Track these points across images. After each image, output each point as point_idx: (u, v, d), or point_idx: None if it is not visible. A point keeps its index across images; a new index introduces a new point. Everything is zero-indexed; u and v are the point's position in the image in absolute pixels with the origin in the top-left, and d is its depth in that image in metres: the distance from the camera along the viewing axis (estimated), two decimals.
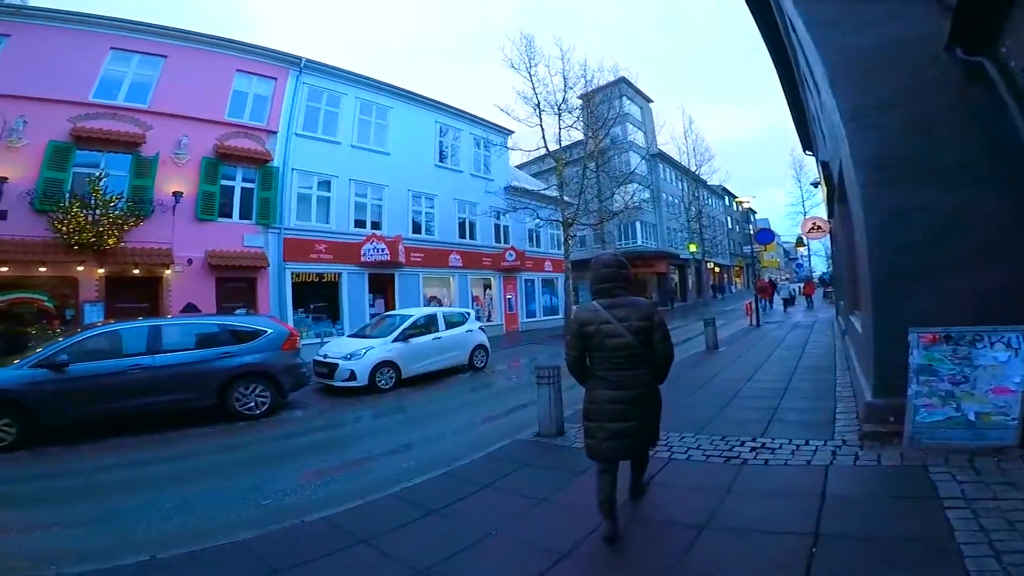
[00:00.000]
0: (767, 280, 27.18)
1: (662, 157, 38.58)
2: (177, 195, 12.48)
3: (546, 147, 20.10)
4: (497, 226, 21.82)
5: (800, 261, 62.62)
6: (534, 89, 19.83)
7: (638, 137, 37.56)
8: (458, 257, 19.50)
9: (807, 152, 16.86)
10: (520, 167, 30.97)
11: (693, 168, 36.29)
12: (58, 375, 6.41)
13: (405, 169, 17.93)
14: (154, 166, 12.32)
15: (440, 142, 20.16)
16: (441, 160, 20.06)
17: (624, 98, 37.16)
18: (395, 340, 10.10)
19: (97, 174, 11.06)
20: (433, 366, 10.70)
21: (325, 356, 10.01)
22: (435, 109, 20.07)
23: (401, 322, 10.64)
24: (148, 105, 12.57)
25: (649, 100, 40.85)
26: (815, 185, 17.68)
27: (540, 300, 23.91)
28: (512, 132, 23.02)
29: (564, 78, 20.21)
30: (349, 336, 11.11)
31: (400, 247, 16.51)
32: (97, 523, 4.07)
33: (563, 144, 20.66)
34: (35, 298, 11.08)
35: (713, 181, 38.93)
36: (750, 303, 17.52)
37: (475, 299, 20.53)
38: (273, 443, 6.57)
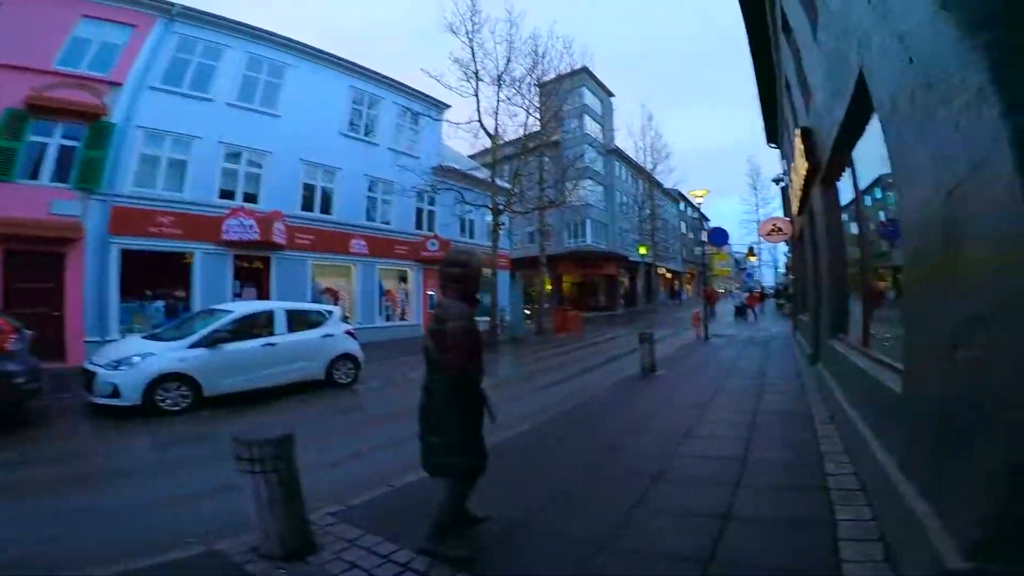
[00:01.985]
0: (712, 288, 26.16)
1: (618, 154, 36.50)
2: None
3: (480, 121, 17.11)
4: (420, 211, 18.77)
5: (750, 271, 62.64)
6: (473, 55, 16.90)
7: (595, 131, 35.41)
8: (363, 243, 16.32)
9: (771, 144, 14.74)
10: (474, 157, 27.95)
11: (649, 166, 33.99)
12: None
13: (300, 135, 14.74)
14: None
15: (354, 110, 17.11)
16: (352, 130, 16.89)
17: (585, 89, 34.98)
18: (194, 345, 6.96)
19: None
20: (262, 381, 7.61)
21: (92, 362, 6.82)
22: (351, 72, 17.03)
23: (211, 321, 7.48)
24: None
25: (611, 95, 38.93)
26: (777, 181, 15.70)
27: None
28: (447, 107, 20.00)
29: (510, 45, 17.36)
30: (144, 336, 7.83)
31: (278, 225, 13.22)
32: None
33: (507, 128, 17.96)
34: None
35: (669, 183, 36.76)
36: (698, 313, 15.23)
37: (386, 293, 17.46)
38: None
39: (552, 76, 18.67)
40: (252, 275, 13.57)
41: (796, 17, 6.56)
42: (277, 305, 8.88)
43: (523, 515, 3.11)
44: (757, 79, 11.26)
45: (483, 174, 19.01)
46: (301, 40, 15.55)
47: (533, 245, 33.60)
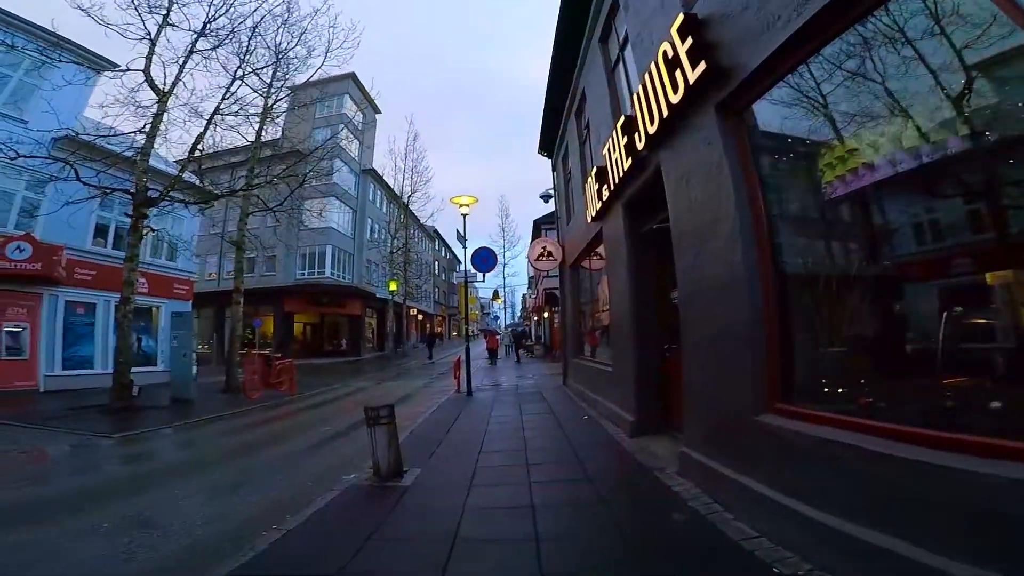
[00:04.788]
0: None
1: (374, 176, 32.00)
2: None
3: (146, 70, 10.39)
4: (9, 198, 10.71)
5: (496, 314, 65.01)
6: None
7: (352, 146, 30.40)
8: None
9: (542, 153, 12.56)
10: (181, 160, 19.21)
11: (408, 191, 30.09)
12: None
13: None
14: None
15: None
16: None
17: (347, 97, 29.74)
18: None
19: None
20: None
21: None
22: None
23: None
24: None
25: (377, 111, 34.60)
26: (546, 198, 13.72)
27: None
28: (112, 65, 12.45)
29: None
30: None
31: None
32: None
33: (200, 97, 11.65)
34: None
35: (426, 215, 33.37)
36: (459, 359, 11.62)
37: None
38: None
39: (302, 53, 13.00)
40: None
41: None
42: None
43: None
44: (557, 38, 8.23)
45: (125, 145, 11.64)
46: None
47: (262, 275, 26.09)
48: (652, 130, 4.31)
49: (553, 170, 12.60)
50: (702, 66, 3.35)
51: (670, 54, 3.74)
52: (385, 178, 31.65)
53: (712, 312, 3.60)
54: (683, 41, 3.54)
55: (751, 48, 3.00)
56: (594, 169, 6.87)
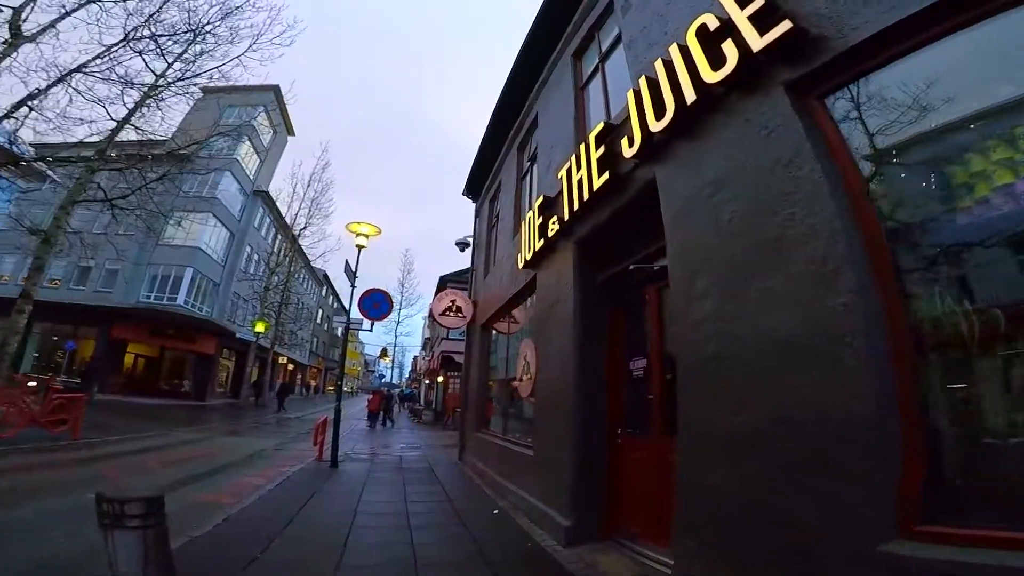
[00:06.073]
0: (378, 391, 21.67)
1: (267, 200, 28.56)
2: None
3: (18, 9, 8.03)
4: None
5: (381, 372, 60.45)
6: None
7: (251, 162, 27.31)
8: None
9: (467, 195, 11.40)
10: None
11: (301, 223, 26.62)
12: None
13: None
14: None
15: None
16: None
17: (263, 108, 26.58)
18: None
19: None
20: None
21: None
22: None
23: None
24: None
25: (291, 132, 32.39)
26: (463, 247, 12.36)
27: None
28: None
29: None
30: None
31: None
32: None
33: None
34: None
35: (315, 257, 29.38)
36: (325, 419, 9.33)
37: None
38: None
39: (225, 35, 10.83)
40: None
41: None
42: None
43: None
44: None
45: None
46: None
47: (95, 291, 21.05)
48: (658, 127, 3.22)
49: (476, 216, 11.41)
50: (783, 26, 2.34)
51: (712, 26, 2.77)
52: (279, 204, 28.43)
53: (763, 388, 2.34)
54: (743, 7, 2.56)
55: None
56: (539, 199, 5.71)
